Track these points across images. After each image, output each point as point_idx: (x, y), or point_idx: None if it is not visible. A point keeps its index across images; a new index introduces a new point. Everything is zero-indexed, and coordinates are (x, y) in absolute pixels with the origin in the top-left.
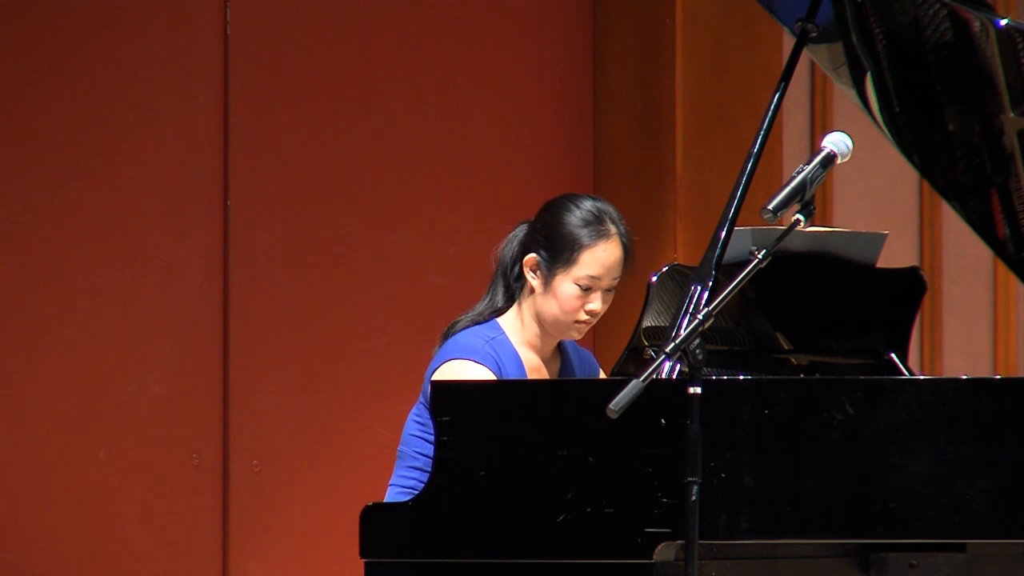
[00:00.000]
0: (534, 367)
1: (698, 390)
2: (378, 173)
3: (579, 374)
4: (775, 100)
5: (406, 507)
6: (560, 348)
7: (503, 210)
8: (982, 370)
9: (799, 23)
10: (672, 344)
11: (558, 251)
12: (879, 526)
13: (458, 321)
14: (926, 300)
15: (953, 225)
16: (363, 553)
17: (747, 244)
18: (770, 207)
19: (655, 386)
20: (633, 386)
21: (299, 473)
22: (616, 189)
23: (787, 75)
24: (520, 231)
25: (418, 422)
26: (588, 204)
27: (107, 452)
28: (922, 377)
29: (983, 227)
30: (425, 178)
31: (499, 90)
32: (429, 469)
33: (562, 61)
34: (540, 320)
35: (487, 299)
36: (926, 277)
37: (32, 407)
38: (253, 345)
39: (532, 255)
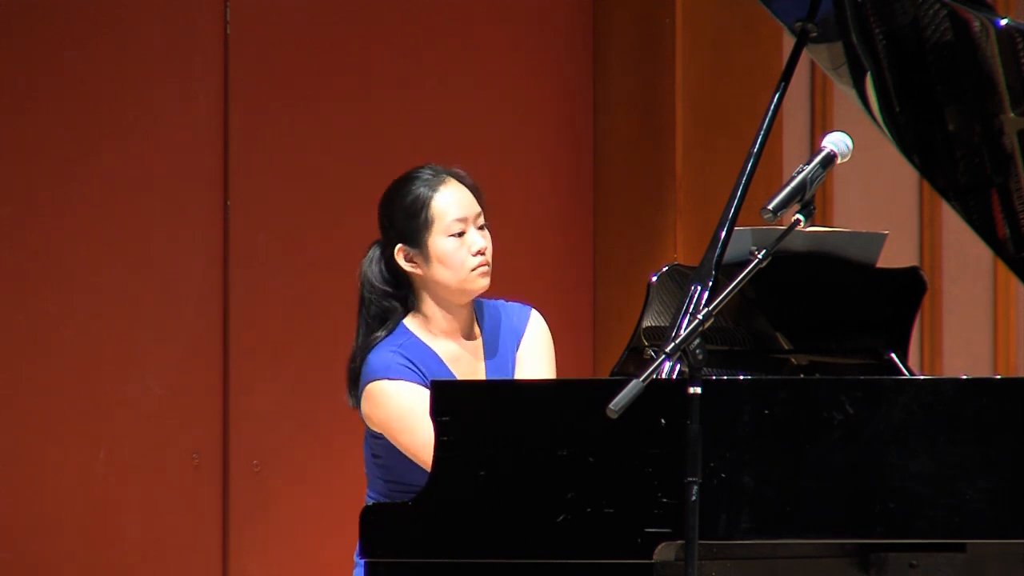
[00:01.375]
0: (452, 356)
1: (698, 390)
2: (378, 173)
3: (500, 339)
4: (775, 100)
5: (406, 507)
6: (478, 321)
7: (503, 210)
8: (982, 370)
9: (799, 23)
10: (672, 344)
11: (411, 222)
12: (879, 526)
13: (369, 342)
14: (926, 300)
15: (953, 225)
16: (363, 553)
17: (747, 244)
18: (770, 207)
19: (655, 386)
20: (633, 386)
21: (299, 473)
22: (616, 189)
23: (787, 75)
24: (374, 250)
25: (368, 446)
26: (407, 174)
27: (107, 452)
28: (922, 377)
29: (983, 227)
30: None
31: (499, 90)
32: (389, 492)
33: (562, 61)
34: (444, 295)
35: (369, 324)
36: (926, 277)
37: (32, 407)
38: (253, 345)
39: (397, 246)
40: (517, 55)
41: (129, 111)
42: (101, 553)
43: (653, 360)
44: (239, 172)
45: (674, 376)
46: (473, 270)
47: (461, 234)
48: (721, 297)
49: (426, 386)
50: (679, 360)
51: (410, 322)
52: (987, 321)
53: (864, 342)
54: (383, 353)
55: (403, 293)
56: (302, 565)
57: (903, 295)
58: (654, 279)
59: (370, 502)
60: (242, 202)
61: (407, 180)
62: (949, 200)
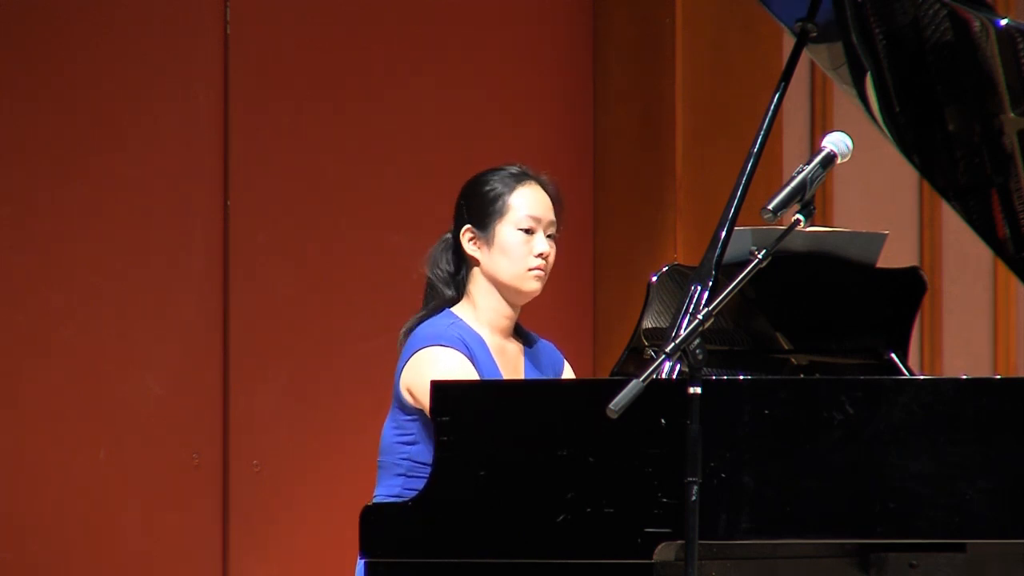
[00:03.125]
0: (496, 346)
1: (698, 390)
2: (378, 173)
3: (542, 358)
4: (775, 100)
5: (406, 507)
6: (519, 335)
7: None
8: (982, 370)
9: (799, 23)
10: (672, 344)
11: (487, 207)
12: (879, 526)
13: (410, 323)
14: (926, 300)
15: (953, 225)
16: (363, 553)
17: (747, 244)
18: (770, 207)
19: (655, 386)
20: (633, 386)
21: (299, 473)
22: (616, 189)
23: (787, 75)
24: (443, 241)
25: (394, 428)
26: (501, 167)
27: (107, 452)
28: (922, 377)
29: (983, 227)
30: (425, 178)
31: (499, 90)
32: (413, 473)
33: (562, 61)
34: (496, 284)
35: (431, 302)
36: (926, 277)
37: (32, 407)
38: (253, 345)
39: (466, 226)
40: (517, 55)
41: (129, 110)
42: (101, 553)
43: (653, 360)
44: (239, 172)
45: (674, 376)
46: (530, 270)
47: (530, 232)
48: (721, 297)
49: (471, 361)
50: (679, 360)
51: (459, 309)
52: (987, 321)
53: (864, 342)
54: (437, 326)
55: (460, 276)
56: (302, 565)
57: (903, 295)
58: (654, 279)
59: (379, 499)
60: (242, 202)
61: (494, 171)
62: (949, 200)
